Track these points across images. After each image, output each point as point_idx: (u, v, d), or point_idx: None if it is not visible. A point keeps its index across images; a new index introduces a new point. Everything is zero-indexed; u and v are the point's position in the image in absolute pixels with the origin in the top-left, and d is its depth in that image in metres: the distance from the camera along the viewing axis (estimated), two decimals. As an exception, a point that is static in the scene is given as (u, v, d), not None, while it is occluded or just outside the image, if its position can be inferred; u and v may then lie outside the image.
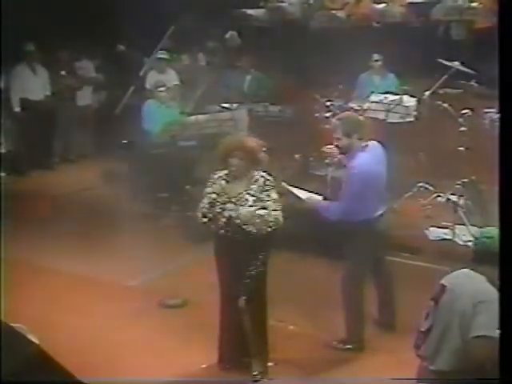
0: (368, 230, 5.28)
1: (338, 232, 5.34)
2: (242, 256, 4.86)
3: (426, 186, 7.84)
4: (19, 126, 9.97)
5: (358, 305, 5.41)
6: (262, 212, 4.78)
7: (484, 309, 3.48)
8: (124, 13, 9.97)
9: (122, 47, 10.52)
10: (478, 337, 3.49)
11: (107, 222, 7.94)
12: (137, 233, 7.45)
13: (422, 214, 7.46)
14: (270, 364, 5.12)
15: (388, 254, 5.86)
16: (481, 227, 6.37)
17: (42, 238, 7.33)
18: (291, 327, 5.75)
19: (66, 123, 10.45)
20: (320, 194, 5.52)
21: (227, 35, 11.44)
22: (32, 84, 9.95)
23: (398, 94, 8.12)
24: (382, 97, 8.13)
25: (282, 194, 5.19)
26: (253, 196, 4.83)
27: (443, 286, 3.69)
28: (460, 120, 7.49)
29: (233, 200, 4.84)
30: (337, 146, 5.42)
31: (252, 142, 4.94)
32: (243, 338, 5.02)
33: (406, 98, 8.03)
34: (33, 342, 3.52)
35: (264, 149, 5.04)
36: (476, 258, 3.70)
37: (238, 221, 4.80)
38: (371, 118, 7.67)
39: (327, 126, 6.81)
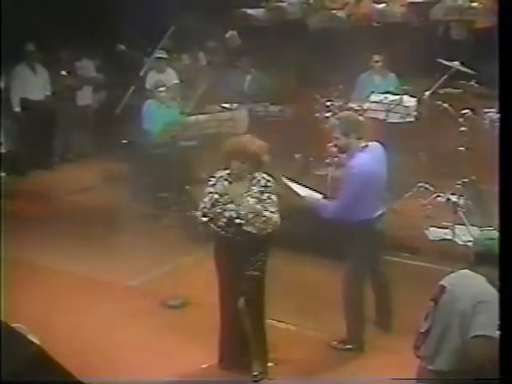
0: (368, 230, 5.27)
1: (338, 232, 5.33)
2: (242, 256, 4.86)
3: (426, 185, 7.83)
4: (19, 126, 9.98)
5: (358, 305, 5.41)
6: (263, 212, 4.78)
7: (484, 309, 3.49)
8: (124, 13, 9.97)
9: (122, 47, 10.53)
10: (477, 336, 3.49)
11: (107, 221, 7.94)
12: (137, 233, 7.46)
13: (422, 214, 7.46)
14: (269, 364, 5.12)
15: (388, 254, 5.86)
16: (481, 227, 6.40)
17: (42, 238, 7.32)
18: (291, 327, 5.76)
19: (66, 123, 10.45)
20: (320, 193, 5.52)
21: (227, 35, 11.42)
22: (32, 84, 9.96)
23: (398, 94, 8.11)
24: (382, 97, 8.11)
25: (282, 194, 5.19)
26: (254, 197, 4.83)
27: (443, 287, 3.70)
28: (460, 120, 7.48)
29: (234, 201, 4.84)
30: (335, 146, 5.42)
31: (255, 145, 4.88)
32: (243, 338, 5.02)
33: (406, 97, 8.02)
34: (33, 342, 3.52)
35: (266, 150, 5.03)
36: (476, 259, 3.70)
37: (238, 221, 4.80)
38: (371, 117, 7.67)
39: (327, 126, 6.80)
